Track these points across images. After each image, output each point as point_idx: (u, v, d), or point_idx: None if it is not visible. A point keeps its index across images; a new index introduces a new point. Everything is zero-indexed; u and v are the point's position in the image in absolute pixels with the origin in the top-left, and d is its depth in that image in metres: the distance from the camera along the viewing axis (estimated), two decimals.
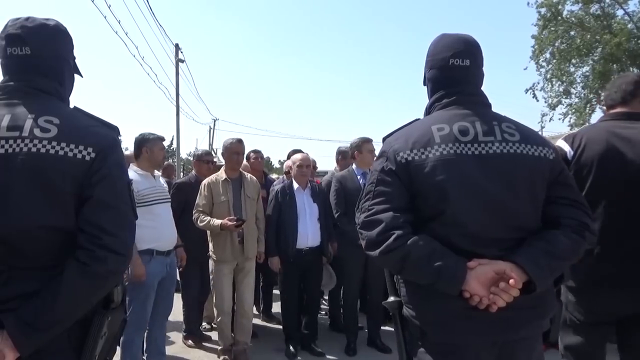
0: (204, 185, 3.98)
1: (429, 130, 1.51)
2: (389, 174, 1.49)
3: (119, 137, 1.47)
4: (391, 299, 1.64)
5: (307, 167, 4.24)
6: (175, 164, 18.14)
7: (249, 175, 4.19)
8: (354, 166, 4.47)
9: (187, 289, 4.46)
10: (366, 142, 4.44)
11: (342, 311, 4.67)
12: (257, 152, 5.16)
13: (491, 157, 1.45)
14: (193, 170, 4.98)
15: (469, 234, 1.42)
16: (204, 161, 4.82)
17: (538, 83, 21.62)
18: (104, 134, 1.37)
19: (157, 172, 3.61)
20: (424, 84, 1.73)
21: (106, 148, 1.32)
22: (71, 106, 1.47)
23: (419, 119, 1.67)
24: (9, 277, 1.23)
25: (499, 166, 1.45)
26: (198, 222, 3.87)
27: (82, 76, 1.57)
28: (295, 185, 4.22)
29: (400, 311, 1.59)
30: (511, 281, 1.33)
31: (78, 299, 1.23)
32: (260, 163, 5.17)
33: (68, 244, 1.24)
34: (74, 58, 1.53)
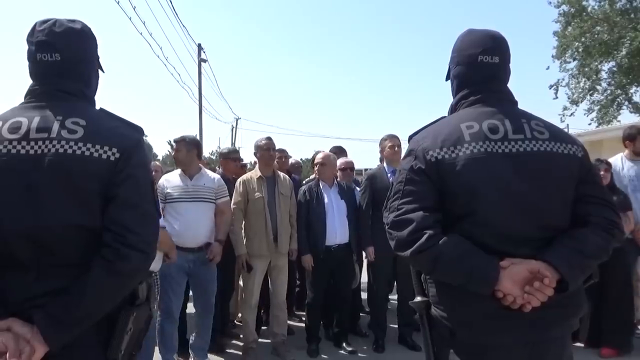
0: (240, 182, 4.08)
1: (458, 128, 1.49)
2: (418, 172, 1.47)
3: (144, 137, 1.50)
4: (418, 299, 1.62)
5: (323, 165, 4.28)
6: None
7: (282, 174, 4.27)
8: (384, 163, 4.50)
9: None
10: (388, 138, 4.49)
11: (369, 309, 4.69)
12: (281, 152, 5.15)
13: (522, 155, 1.44)
14: (220, 168, 5.01)
15: (499, 234, 1.40)
16: (231, 159, 4.87)
17: (563, 79, 21.33)
18: (128, 135, 1.40)
19: (203, 172, 3.80)
20: (447, 80, 1.72)
21: (130, 148, 1.35)
22: (97, 107, 1.51)
23: (445, 117, 1.66)
24: (38, 274, 1.26)
25: (529, 165, 1.43)
26: (233, 225, 3.98)
27: (104, 72, 1.60)
28: (322, 183, 4.28)
29: (428, 311, 1.57)
30: (546, 280, 1.32)
31: (104, 296, 1.27)
32: (284, 162, 5.19)
33: (94, 242, 1.27)
34: (99, 57, 1.57)
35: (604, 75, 20.67)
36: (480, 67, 1.57)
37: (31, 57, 1.42)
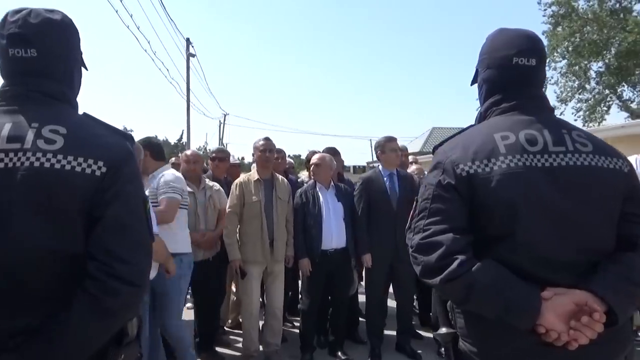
0: (236, 185, 3.91)
1: (491, 138, 1.33)
2: (447, 188, 1.31)
3: (133, 146, 1.29)
4: (443, 330, 1.48)
5: (318, 166, 4.11)
6: None
7: (280, 177, 4.11)
8: (380, 167, 4.34)
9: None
10: (389, 141, 4.30)
11: (365, 316, 4.54)
12: (278, 152, 4.88)
13: (563, 170, 1.29)
14: (210, 170, 4.77)
15: (539, 258, 1.25)
16: (219, 159, 4.64)
17: (552, 77, 21.53)
18: (116, 145, 1.20)
19: (155, 174, 3.34)
20: (473, 84, 1.58)
21: (119, 161, 1.16)
22: (80, 112, 1.31)
23: (473, 126, 1.50)
24: (12, 309, 1.08)
25: (572, 180, 1.28)
26: (227, 229, 3.83)
27: (87, 69, 1.40)
28: (318, 185, 4.12)
29: (455, 345, 1.41)
30: (595, 315, 1.18)
31: (88, 338, 1.09)
32: (281, 163, 4.96)
33: (77, 270, 1.09)
34: (81, 53, 1.37)
35: (592, 74, 20.89)
36: (514, 70, 1.42)
37: (2, 52, 1.22)
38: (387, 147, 4.25)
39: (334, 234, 4.00)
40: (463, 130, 1.48)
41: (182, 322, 3.37)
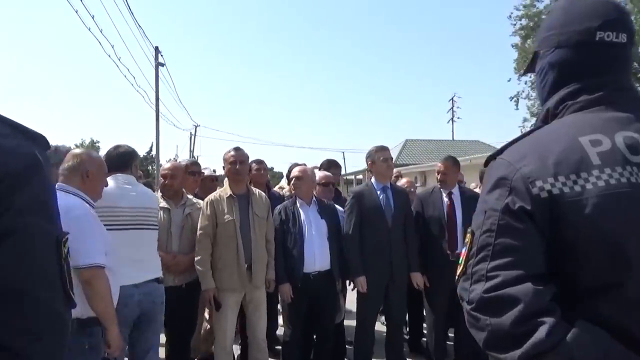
0: (207, 203, 3.45)
1: (576, 143, 0.96)
2: (520, 216, 0.93)
3: (45, 153, 0.82)
4: None
5: (299, 179, 3.72)
6: (155, 171, 17.41)
7: (257, 191, 3.67)
8: (373, 180, 3.97)
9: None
10: (379, 150, 3.93)
11: (355, 344, 4.11)
12: (259, 163, 4.57)
13: None
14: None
15: None
16: (189, 173, 4.02)
17: (523, 91, 21.87)
18: (15, 149, 0.74)
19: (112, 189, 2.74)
20: (528, 72, 1.22)
21: (16, 174, 0.72)
22: None
23: (543, 126, 1.11)
24: None
25: None
26: (199, 254, 3.36)
27: None
28: (299, 201, 3.72)
29: None
30: None
31: None
32: (262, 175, 4.57)
33: None
34: None
35: None
36: (598, 49, 1.05)
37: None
38: (377, 157, 3.88)
39: (317, 255, 3.59)
40: (531, 131, 1.09)
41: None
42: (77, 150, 2.49)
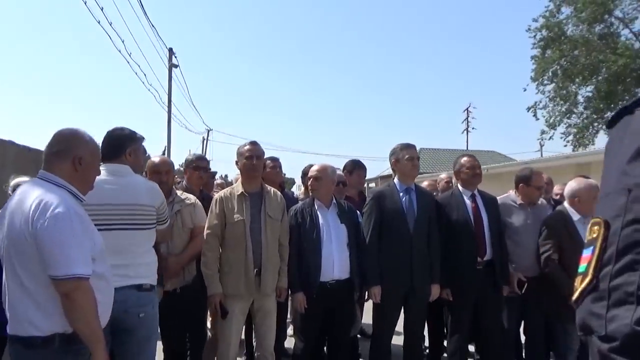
0: (216, 201, 3.14)
1: None
2: None
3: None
4: None
5: (318, 180, 3.36)
6: None
7: (272, 189, 3.32)
8: (395, 180, 3.63)
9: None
10: (405, 148, 3.58)
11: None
12: (274, 160, 4.25)
13: None
14: (183, 181, 3.87)
15: None
16: (193, 167, 3.72)
17: (540, 102, 21.47)
18: None
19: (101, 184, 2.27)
20: None
21: None
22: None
23: None
24: None
25: None
26: (206, 256, 3.08)
27: None
28: (317, 203, 3.39)
29: None
30: None
31: None
32: (278, 174, 4.25)
33: None
34: None
35: (580, 99, 20.90)
36: None
37: None
38: (402, 155, 3.54)
39: (335, 262, 3.25)
40: None
41: None
42: (65, 130, 1.97)
